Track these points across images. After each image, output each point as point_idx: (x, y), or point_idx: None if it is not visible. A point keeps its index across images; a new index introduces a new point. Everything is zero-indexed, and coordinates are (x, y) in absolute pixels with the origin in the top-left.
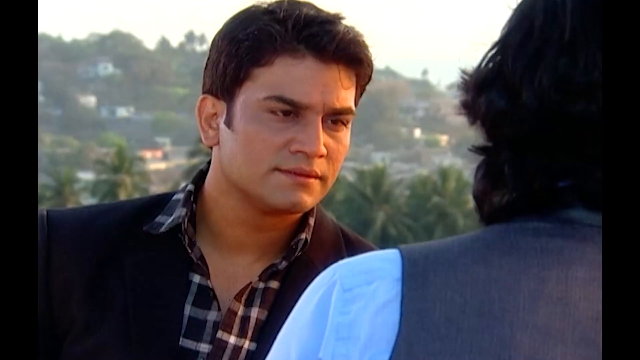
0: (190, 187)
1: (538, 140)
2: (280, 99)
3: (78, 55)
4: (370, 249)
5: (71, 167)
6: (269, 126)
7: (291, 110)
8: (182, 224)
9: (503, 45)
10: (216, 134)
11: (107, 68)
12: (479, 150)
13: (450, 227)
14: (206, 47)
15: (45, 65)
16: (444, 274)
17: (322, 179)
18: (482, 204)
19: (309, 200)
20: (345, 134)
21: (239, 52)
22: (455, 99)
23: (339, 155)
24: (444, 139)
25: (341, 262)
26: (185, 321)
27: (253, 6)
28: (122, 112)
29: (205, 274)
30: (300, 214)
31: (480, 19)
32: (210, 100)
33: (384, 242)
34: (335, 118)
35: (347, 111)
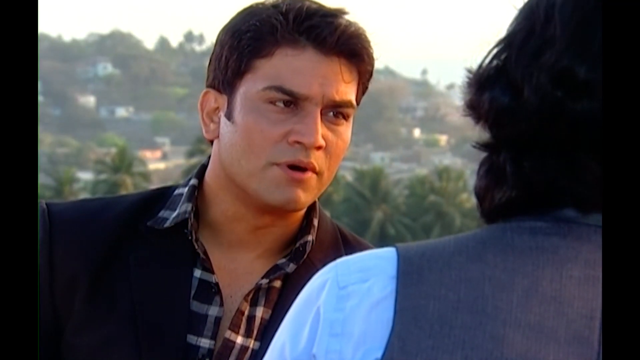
0: (194, 181)
1: (538, 139)
2: (280, 89)
3: (77, 55)
4: (367, 248)
5: (70, 167)
6: (267, 117)
7: (290, 101)
8: (189, 219)
9: (508, 43)
10: (217, 128)
11: (106, 68)
12: (482, 147)
13: (448, 227)
14: (205, 47)
15: (44, 65)
16: (438, 271)
17: (318, 173)
18: (483, 200)
19: (304, 197)
20: (346, 128)
21: (241, 44)
22: (454, 98)
23: (337, 149)
24: (443, 138)
25: (339, 261)
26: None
27: (258, 3)
28: (122, 112)
29: (209, 268)
30: (301, 212)
31: (480, 19)
32: (212, 95)
33: (383, 241)
34: (335, 111)
35: (347, 104)
